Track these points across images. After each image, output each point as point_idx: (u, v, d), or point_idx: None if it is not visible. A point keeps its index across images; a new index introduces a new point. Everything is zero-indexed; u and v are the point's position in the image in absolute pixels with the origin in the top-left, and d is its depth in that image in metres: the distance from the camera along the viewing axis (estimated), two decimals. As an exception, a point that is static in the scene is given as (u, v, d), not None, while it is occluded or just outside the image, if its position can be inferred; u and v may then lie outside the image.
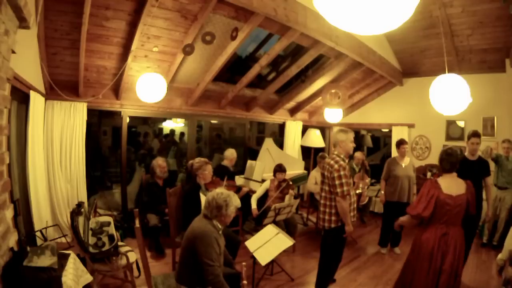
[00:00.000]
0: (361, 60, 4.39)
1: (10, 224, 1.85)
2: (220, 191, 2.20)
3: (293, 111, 6.39)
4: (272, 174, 4.23)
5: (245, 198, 4.39)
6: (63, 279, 1.74)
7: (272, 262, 3.11)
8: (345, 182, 2.56)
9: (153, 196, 3.87)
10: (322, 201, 2.77)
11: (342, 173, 2.56)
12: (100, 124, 7.15)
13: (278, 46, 4.02)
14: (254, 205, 4.09)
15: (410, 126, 6.03)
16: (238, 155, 5.03)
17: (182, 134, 7.88)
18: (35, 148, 3.05)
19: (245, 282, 2.00)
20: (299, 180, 5.49)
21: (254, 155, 5.57)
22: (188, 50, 3.49)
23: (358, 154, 5.15)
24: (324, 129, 7.16)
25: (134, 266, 2.75)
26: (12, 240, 1.84)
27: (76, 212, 2.50)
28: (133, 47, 3.26)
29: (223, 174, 4.12)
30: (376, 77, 5.74)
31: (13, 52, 1.74)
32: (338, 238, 2.71)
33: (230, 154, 4.63)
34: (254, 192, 4.24)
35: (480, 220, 3.80)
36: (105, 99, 3.92)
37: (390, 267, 3.67)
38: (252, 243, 2.78)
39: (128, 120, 4.33)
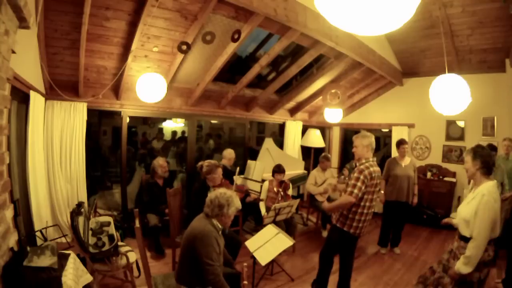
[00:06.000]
0: (361, 60, 4.39)
1: (10, 224, 1.85)
2: (223, 191, 2.22)
3: (293, 111, 6.39)
4: (272, 174, 4.23)
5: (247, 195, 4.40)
6: (63, 279, 1.74)
7: (272, 262, 3.11)
8: None
9: (153, 196, 3.87)
10: (371, 210, 2.66)
11: None
12: (100, 124, 7.15)
13: (278, 46, 4.02)
14: (264, 211, 4.08)
15: (410, 126, 6.04)
16: (238, 155, 5.03)
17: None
18: (35, 148, 3.05)
19: (245, 282, 2.00)
20: (299, 180, 5.49)
21: (254, 155, 5.57)
22: (184, 48, 3.44)
23: None
24: (324, 129, 7.17)
25: (134, 266, 2.75)
26: (12, 240, 1.84)
27: (76, 212, 2.50)
28: (133, 47, 3.26)
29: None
30: (376, 77, 5.74)
31: (13, 52, 1.74)
32: None
33: (228, 154, 4.63)
34: (260, 199, 4.23)
35: None
36: (105, 99, 3.91)
37: (390, 267, 3.67)
38: (252, 243, 2.78)
39: (128, 120, 4.33)
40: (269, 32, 4.26)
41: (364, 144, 2.61)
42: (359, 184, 2.47)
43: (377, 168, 2.60)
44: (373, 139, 2.65)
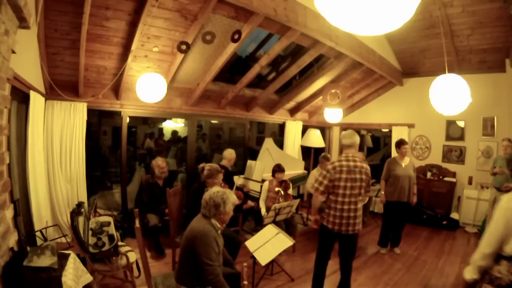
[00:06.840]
0: (361, 60, 4.39)
1: (10, 224, 1.85)
2: (216, 190, 2.19)
3: (293, 111, 6.39)
4: (271, 174, 4.23)
5: (246, 198, 4.40)
6: (63, 279, 1.74)
7: (272, 262, 3.11)
8: None
9: (153, 196, 3.87)
10: (358, 206, 2.60)
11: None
12: (100, 124, 7.16)
13: (278, 46, 4.02)
14: (263, 210, 4.07)
15: (410, 126, 6.04)
16: (238, 155, 5.03)
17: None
18: (35, 148, 3.05)
19: (245, 282, 2.00)
20: (299, 180, 5.49)
21: (254, 155, 5.57)
22: (183, 48, 3.43)
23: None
24: (324, 129, 7.17)
25: (134, 266, 2.75)
26: (12, 240, 1.84)
27: (76, 212, 2.50)
28: (133, 47, 3.26)
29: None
30: (376, 77, 5.74)
31: (13, 52, 1.74)
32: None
33: (229, 154, 4.61)
34: (259, 209, 4.21)
35: None
36: (105, 99, 3.92)
37: (390, 267, 3.67)
38: (252, 243, 2.78)
39: (128, 120, 4.33)
40: (269, 32, 4.26)
41: (342, 142, 2.78)
42: (320, 178, 2.60)
43: (354, 163, 2.60)
44: (353, 136, 2.73)
